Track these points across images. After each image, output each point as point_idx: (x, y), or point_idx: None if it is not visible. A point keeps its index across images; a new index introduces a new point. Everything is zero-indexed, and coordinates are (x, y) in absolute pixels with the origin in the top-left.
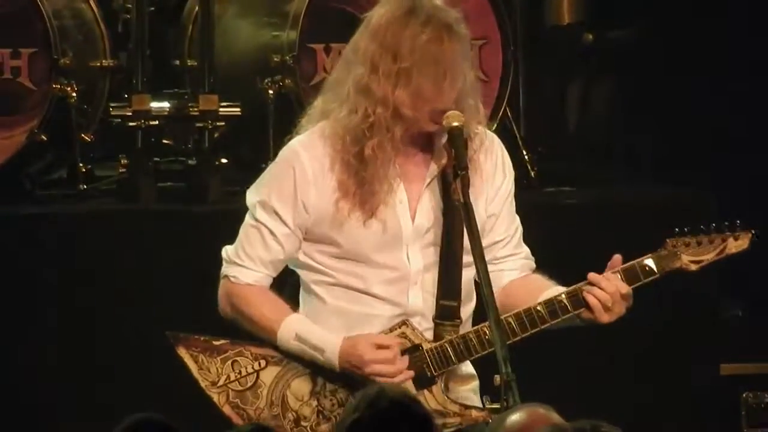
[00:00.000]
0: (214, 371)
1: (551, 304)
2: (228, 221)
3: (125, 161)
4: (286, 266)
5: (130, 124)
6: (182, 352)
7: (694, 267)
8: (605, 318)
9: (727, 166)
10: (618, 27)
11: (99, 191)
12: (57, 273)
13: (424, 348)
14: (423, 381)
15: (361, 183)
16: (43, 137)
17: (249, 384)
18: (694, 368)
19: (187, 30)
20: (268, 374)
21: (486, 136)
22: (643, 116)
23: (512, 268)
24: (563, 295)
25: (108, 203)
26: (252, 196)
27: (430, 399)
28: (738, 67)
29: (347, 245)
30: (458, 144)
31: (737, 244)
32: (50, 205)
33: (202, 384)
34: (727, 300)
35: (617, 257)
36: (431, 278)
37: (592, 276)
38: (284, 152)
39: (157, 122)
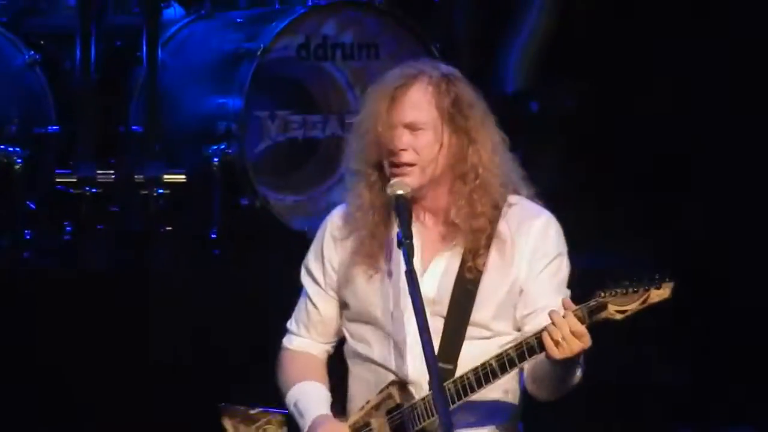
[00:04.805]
0: None
1: (520, 345)
2: (173, 288)
3: (70, 228)
4: None
5: (75, 191)
6: (226, 422)
7: (619, 316)
8: (556, 353)
9: (671, 228)
10: (563, 95)
11: (43, 259)
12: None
13: (404, 406)
14: None
15: (361, 243)
16: None
17: None
18: None
19: (133, 97)
20: None
21: (524, 211)
22: (588, 185)
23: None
24: (531, 337)
25: (52, 270)
26: None
27: None
28: (681, 133)
29: (354, 304)
30: (402, 213)
31: (659, 293)
32: None
33: None
34: (669, 366)
35: (565, 300)
36: (435, 344)
37: (549, 312)
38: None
39: (101, 189)
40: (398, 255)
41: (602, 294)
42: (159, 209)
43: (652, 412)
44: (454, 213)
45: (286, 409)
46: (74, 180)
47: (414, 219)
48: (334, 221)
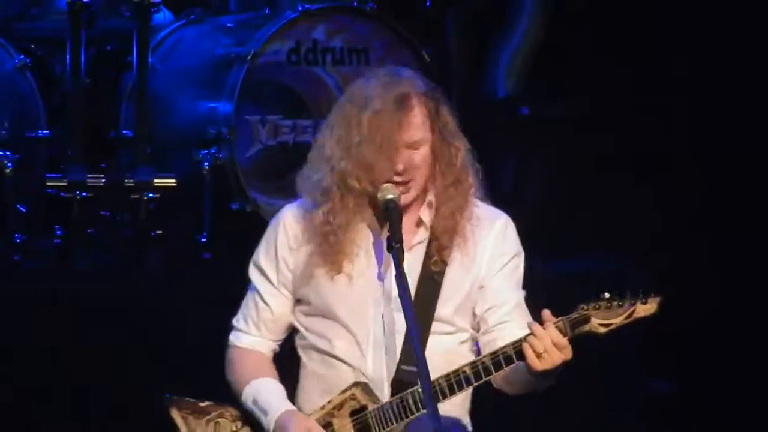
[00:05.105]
0: None
1: (496, 354)
2: (164, 291)
3: (60, 232)
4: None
5: (66, 195)
6: (174, 413)
7: (602, 330)
8: (537, 365)
9: (661, 237)
10: (554, 101)
11: (34, 262)
12: None
13: (369, 409)
14: None
15: (325, 245)
16: None
17: None
18: None
19: (123, 101)
20: None
21: (487, 212)
22: (578, 191)
23: (504, 336)
24: (509, 347)
25: (43, 274)
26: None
27: None
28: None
29: (315, 300)
30: (393, 217)
31: (645, 308)
32: None
33: None
34: (655, 378)
35: (546, 312)
36: (398, 343)
37: (529, 323)
38: (277, 213)
39: (92, 193)
40: (365, 257)
41: (584, 307)
42: (149, 213)
43: (639, 421)
44: (430, 215)
45: (240, 407)
46: (65, 184)
47: (378, 219)
48: (288, 226)
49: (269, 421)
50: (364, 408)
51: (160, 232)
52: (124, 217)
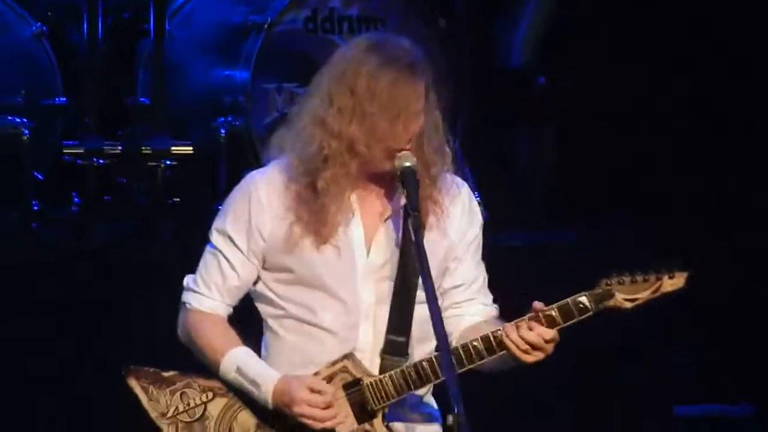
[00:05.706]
0: (163, 403)
1: (487, 340)
2: (180, 260)
3: (77, 200)
4: (252, 306)
5: (83, 162)
6: (133, 383)
7: (628, 305)
8: (529, 359)
9: (668, 209)
10: (569, 71)
11: (50, 230)
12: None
13: (364, 382)
14: (363, 415)
15: (314, 214)
16: None
17: (197, 416)
18: (648, 412)
19: (140, 69)
20: (216, 406)
21: (454, 181)
22: (590, 160)
23: (472, 313)
24: (499, 332)
25: (60, 242)
26: (213, 224)
27: None
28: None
29: (300, 270)
30: (410, 184)
31: (672, 282)
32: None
33: (152, 415)
34: (676, 348)
35: (537, 305)
36: (384, 313)
37: (515, 324)
38: (243, 181)
39: (109, 161)
40: (352, 225)
41: (608, 282)
42: (166, 181)
43: (654, 392)
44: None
45: (213, 375)
46: (81, 151)
47: (361, 190)
48: (264, 195)
49: (265, 393)
50: (358, 381)
51: (176, 199)
52: (140, 184)
